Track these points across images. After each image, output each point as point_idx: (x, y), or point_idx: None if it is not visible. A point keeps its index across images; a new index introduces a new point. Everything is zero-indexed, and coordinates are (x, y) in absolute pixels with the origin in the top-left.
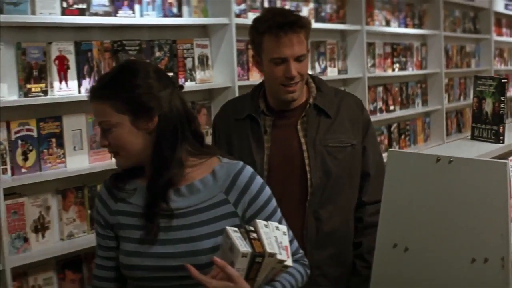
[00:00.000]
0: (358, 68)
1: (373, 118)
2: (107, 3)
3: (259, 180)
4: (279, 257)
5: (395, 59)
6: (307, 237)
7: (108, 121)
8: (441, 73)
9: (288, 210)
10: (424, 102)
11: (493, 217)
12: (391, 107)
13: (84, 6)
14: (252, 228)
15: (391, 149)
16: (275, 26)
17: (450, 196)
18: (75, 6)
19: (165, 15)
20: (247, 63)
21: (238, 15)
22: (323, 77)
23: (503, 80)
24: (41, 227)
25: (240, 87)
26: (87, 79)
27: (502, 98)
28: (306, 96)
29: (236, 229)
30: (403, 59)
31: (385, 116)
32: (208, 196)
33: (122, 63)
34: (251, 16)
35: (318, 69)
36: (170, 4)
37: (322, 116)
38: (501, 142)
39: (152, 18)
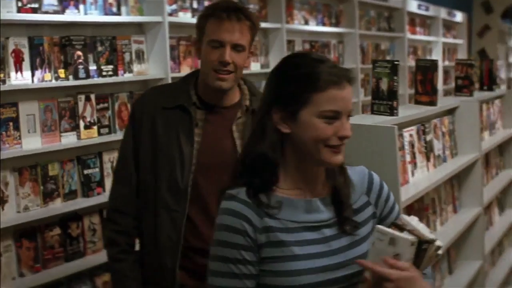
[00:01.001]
0: None
1: None
2: (56, 3)
3: (384, 182)
4: (437, 243)
5: None
6: None
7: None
8: (357, 68)
9: (216, 212)
10: None
11: (386, 171)
12: None
13: (36, 5)
14: (400, 223)
15: None
16: (220, 9)
17: (351, 158)
18: (29, 5)
19: (106, 14)
20: (179, 57)
21: (170, 14)
22: (246, 72)
23: (395, 63)
24: (0, 200)
25: (172, 78)
26: (39, 70)
27: (395, 78)
28: (239, 98)
29: (383, 226)
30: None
31: None
32: (352, 200)
33: None
34: (182, 15)
35: None
36: (110, 4)
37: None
38: (395, 115)
39: (95, 16)
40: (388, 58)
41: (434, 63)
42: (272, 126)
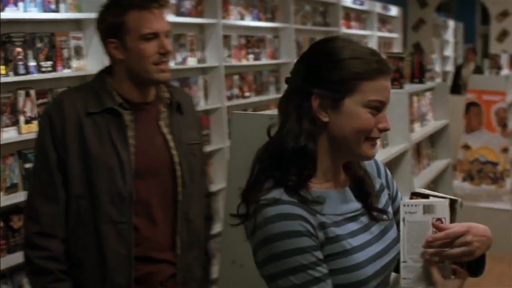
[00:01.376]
0: (215, 58)
1: (229, 103)
2: None
3: None
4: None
5: (249, 50)
6: (180, 240)
7: None
8: (293, 62)
9: (159, 213)
10: (278, 89)
11: None
12: (247, 94)
13: None
14: (420, 192)
15: (235, 111)
16: (143, 1)
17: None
18: None
19: (45, 11)
20: None
21: None
22: (183, 67)
23: None
24: None
25: None
26: None
27: None
28: (156, 90)
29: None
30: (257, 50)
31: (241, 101)
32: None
33: None
34: None
35: (179, 59)
36: (49, 1)
37: (177, 112)
38: None
39: (34, 13)
40: None
41: None
42: (311, 114)
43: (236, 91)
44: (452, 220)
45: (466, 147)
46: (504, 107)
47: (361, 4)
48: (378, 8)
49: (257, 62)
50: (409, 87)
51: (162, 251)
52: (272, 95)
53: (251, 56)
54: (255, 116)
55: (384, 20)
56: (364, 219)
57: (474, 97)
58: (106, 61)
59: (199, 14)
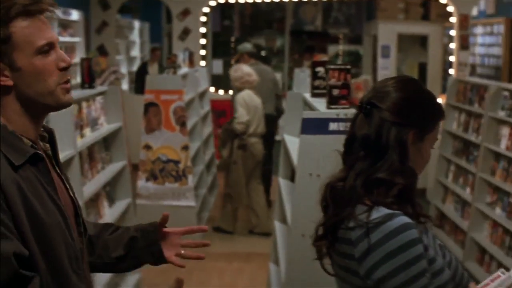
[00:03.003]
0: None
1: None
2: None
3: None
4: None
5: None
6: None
7: None
8: None
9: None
10: None
11: None
12: None
13: None
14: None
15: None
16: (26, 4)
17: None
18: None
19: None
20: None
21: None
22: None
23: None
24: None
25: None
26: None
27: None
28: None
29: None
30: None
31: None
32: None
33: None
34: None
35: None
36: None
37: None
38: None
39: None
40: None
41: None
42: (407, 148)
43: None
44: None
45: (148, 147)
46: (182, 105)
47: None
48: (58, 13)
49: None
50: (78, 93)
51: None
52: None
53: None
54: None
55: (65, 25)
56: None
57: (152, 98)
58: None
59: None
